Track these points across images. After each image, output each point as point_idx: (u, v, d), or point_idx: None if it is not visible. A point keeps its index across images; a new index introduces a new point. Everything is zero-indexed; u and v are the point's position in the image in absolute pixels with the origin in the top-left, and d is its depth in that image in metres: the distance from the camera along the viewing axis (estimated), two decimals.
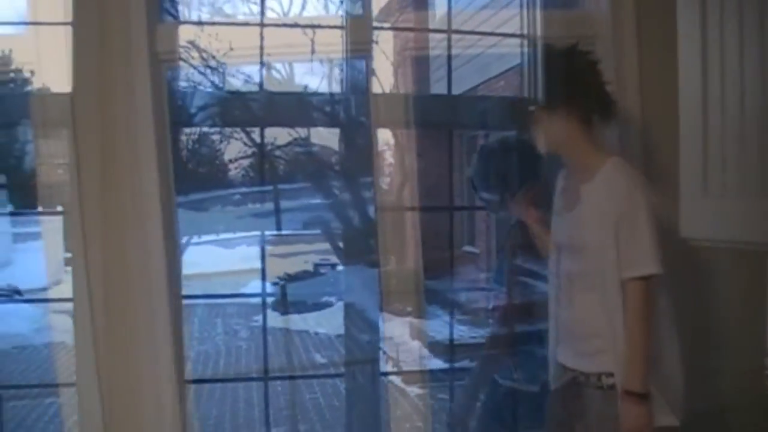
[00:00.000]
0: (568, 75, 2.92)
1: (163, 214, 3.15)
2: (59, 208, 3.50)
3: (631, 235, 2.75)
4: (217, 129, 8.68)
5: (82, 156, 3.13)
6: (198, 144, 9.16)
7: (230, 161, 10.07)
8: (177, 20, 3.91)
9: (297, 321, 8.86)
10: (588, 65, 2.93)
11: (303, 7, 7.20)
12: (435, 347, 7.31)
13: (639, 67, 3.42)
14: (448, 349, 7.04)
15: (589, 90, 2.93)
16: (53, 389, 6.53)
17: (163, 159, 3.20)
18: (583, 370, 2.89)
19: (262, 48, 3.39)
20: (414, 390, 6.20)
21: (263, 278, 4.33)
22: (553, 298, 3.06)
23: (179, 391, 3.19)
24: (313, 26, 3.64)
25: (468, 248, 8.64)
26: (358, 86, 3.45)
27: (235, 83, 9.08)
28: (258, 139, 8.63)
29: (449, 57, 3.68)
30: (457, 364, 5.81)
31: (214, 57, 6.76)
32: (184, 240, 3.55)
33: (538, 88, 3.21)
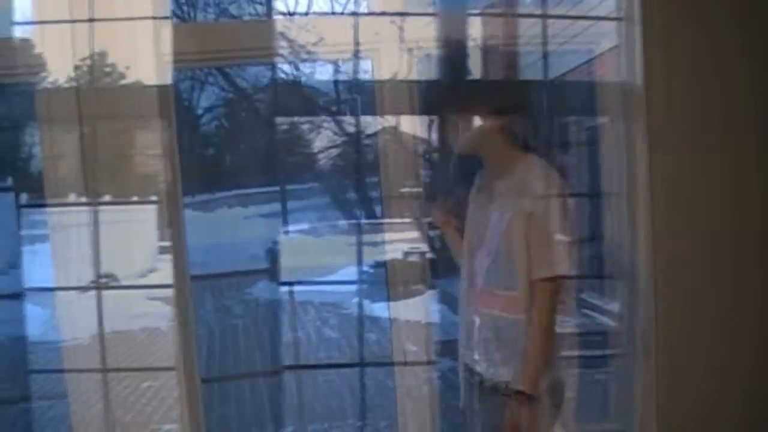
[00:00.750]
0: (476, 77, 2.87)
1: (169, 212, 3.20)
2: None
3: (542, 235, 2.65)
4: (308, 119, 8.76)
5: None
6: (287, 134, 9.25)
7: (320, 151, 10.18)
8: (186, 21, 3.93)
9: (386, 308, 8.84)
10: (497, 64, 2.86)
11: (309, 7, 7.18)
12: None
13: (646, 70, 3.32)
14: None
15: (499, 86, 2.86)
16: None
17: (170, 156, 3.25)
18: (489, 376, 2.80)
19: (357, 41, 3.40)
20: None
21: (359, 265, 4.36)
22: (463, 300, 2.98)
23: (189, 386, 3.25)
24: (402, 14, 3.63)
25: (559, 236, 8.48)
26: (450, 75, 3.42)
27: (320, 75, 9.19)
28: (347, 129, 8.69)
29: (544, 41, 3.62)
30: None
31: (304, 48, 6.83)
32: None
33: (636, 70, 3.15)
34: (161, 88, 3.25)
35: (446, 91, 3.23)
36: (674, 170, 3.40)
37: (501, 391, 2.76)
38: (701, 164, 3.41)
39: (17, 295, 4.02)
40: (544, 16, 3.61)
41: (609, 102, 3.62)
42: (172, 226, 3.25)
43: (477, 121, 2.86)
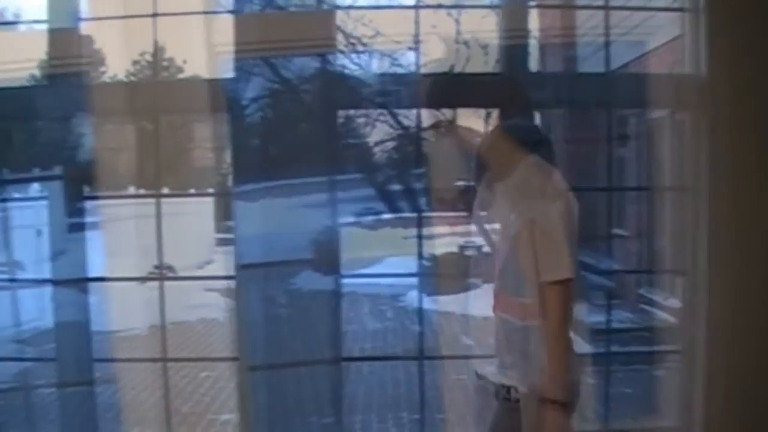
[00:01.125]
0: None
1: (219, 202, 3.23)
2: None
3: (546, 237, 2.57)
4: (364, 112, 8.78)
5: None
6: (344, 127, 9.28)
7: (376, 144, 10.21)
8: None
9: (442, 302, 8.86)
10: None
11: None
12: (582, 331, 7.17)
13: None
14: (596, 333, 6.91)
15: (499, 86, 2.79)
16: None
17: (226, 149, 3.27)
18: (494, 380, 2.75)
19: (417, 32, 3.40)
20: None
21: (420, 258, 4.41)
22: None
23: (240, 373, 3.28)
24: (463, 6, 3.61)
25: (617, 231, 8.41)
26: (514, 67, 3.39)
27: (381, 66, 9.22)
28: (404, 122, 8.71)
29: (606, 33, 3.57)
30: (605, 349, 5.68)
31: (360, 41, 6.84)
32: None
33: (700, 60, 3.08)
34: (214, 82, 3.28)
35: (441, 88, 3.20)
36: (736, 165, 3.33)
37: (507, 395, 2.74)
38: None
39: (75, 283, 4.09)
40: (607, 8, 3.57)
41: (668, 94, 3.56)
42: (221, 213, 3.30)
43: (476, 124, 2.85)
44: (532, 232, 2.59)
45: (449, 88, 3.18)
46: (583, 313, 7.19)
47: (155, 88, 3.94)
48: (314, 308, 3.98)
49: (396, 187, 10.59)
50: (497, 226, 2.92)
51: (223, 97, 3.27)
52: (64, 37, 3.69)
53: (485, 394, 2.82)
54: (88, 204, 4.36)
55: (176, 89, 3.70)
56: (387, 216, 11.31)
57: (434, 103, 3.18)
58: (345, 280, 3.57)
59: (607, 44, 3.62)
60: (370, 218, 11.52)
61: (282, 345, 3.97)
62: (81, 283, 4.00)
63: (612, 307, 5.83)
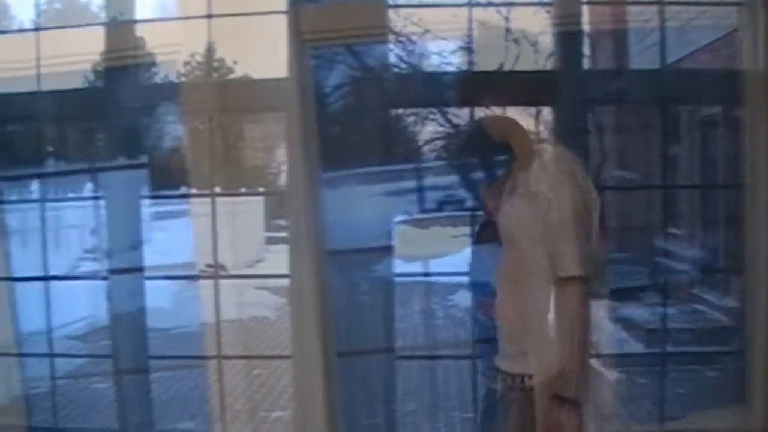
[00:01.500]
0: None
1: (310, 191, 3.25)
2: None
3: (560, 230, 2.51)
4: (413, 110, 8.81)
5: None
6: (396, 125, 9.32)
7: (426, 142, 10.23)
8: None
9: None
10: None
11: None
12: (633, 330, 7.12)
13: None
14: (647, 332, 6.85)
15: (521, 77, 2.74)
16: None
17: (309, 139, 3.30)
18: (509, 371, 2.71)
19: (470, 29, 3.40)
20: (611, 374, 6.07)
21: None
22: None
23: (327, 365, 3.31)
24: (513, 4, 3.60)
25: (672, 230, 8.31)
26: (567, 63, 3.36)
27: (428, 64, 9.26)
28: (454, 120, 8.70)
29: (662, 28, 3.53)
30: (655, 348, 5.63)
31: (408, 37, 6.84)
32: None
33: (758, 55, 3.03)
34: (298, 76, 3.30)
35: (470, 83, 3.18)
36: None
37: (521, 388, 2.73)
38: None
39: (134, 272, 4.15)
40: (662, 3, 3.53)
41: (725, 89, 3.51)
42: (309, 202, 3.31)
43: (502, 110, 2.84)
44: (548, 222, 2.55)
45: (492, 87, 3.17)
46: (638, 312, 7.16)
47: (237, 86, 3.96)
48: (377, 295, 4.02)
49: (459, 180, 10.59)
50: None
51: (307, 89, 3.29)
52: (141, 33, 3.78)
53: (503, 388, 2.84)
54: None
55: (259, 87, 3.74)
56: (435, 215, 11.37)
57: (483, 102, 3.17)
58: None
59: (662, 39, 3.58)
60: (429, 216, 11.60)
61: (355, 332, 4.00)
62: (138, 279, 4.06)
63: (666, 306, 5.78)
